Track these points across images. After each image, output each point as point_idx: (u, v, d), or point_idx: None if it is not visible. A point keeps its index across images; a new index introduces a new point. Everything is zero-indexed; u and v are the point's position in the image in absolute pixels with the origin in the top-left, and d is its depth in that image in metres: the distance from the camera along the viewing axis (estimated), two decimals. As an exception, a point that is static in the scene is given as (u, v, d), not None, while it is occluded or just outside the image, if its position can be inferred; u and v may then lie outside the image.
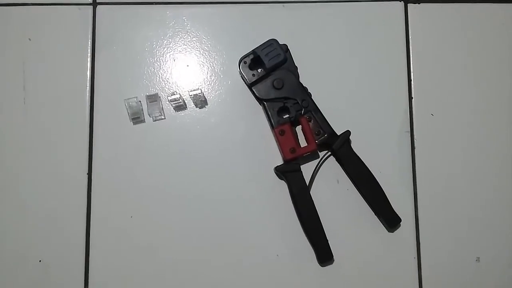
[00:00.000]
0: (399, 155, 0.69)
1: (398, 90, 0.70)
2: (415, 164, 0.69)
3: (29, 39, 0.69)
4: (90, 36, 0.69)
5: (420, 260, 0.68)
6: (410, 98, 0.70)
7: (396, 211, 0.68)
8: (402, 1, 0.71)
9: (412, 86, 0.70)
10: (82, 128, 0.68)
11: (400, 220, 0.69)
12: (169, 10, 0.69)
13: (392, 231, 0.69)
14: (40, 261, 0.67)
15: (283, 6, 0.70)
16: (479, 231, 0.69)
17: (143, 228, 0.67)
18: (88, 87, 0.68)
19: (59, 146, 0.68)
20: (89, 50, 0.69)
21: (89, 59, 0.69)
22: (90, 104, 0.68)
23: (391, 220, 0.69)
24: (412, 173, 0.69)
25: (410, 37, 0.70)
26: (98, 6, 0.69)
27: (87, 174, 0.68)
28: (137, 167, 0.68)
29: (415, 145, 0.69)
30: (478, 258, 0.69)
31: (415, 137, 0.69)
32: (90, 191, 0.68)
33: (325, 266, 0.68)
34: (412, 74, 0.70)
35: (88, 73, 0.68)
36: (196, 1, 0.70)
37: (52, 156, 0.67)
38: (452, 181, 0.69)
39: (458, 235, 0.69)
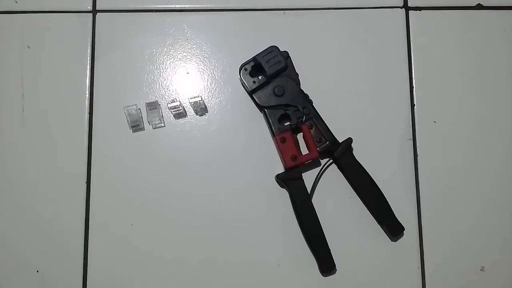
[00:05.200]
0: (402, 163, 0.68)
1: (400, 97, 0.69)
2: (418, 171, 0.68)
3: (28, 47, 0.68)
4: (89, 43, 0.68)
5: (423, 269, 0.67)
6: (412, 105, 0.69)
7: (399, 220, 0.67)
8: (403, 8, 0.70)
9: (414, 93, 0.69)
10: (81, 136, 0.67)
11: (403, 228, 0.68)
12: (169, 18, 0.69)
13: (395, 240, 0.68)
14: (37, 271, 0.66)
15: (284, 13, 0.70)
16: (484, 240, 0.68)
17: (143, 236, 0.66)
18: (87, 95, 0.68)
19: (57, 155, 0.67)
20: (88, 58, 0.68)
21: (88, 67, 0.68)
22: (89, 112, 0.68)
23: (394, 229, 0.68)
24: (415, 181, 0.68)
25: (411, 43, 0.70)
26: (98, 14, 0.69)
27: (86, 182, 0.67)
28: (137, 176, 0.67)
29: (418, 152, 0.69)
30: (483, 267, 0.68)
31: (417, 144, 0.69)
32: (89, 200, 0.67)
33: (327, 276, 0.67)
34: (414, 81, 0.69)
35: (88, 80, 0.68)
36: (196, 9, 0.70)
37: (51, 164, 0.67)
38: (456, 189, 0.69)
39: (463, 244, 0.68)
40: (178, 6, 0.69)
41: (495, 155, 0.69)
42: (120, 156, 0.67)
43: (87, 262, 0.66)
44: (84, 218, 0.66)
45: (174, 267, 0.66)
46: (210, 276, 0.66)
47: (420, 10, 0.71)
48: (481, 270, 0.68)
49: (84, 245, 0.66)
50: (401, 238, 0.68)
